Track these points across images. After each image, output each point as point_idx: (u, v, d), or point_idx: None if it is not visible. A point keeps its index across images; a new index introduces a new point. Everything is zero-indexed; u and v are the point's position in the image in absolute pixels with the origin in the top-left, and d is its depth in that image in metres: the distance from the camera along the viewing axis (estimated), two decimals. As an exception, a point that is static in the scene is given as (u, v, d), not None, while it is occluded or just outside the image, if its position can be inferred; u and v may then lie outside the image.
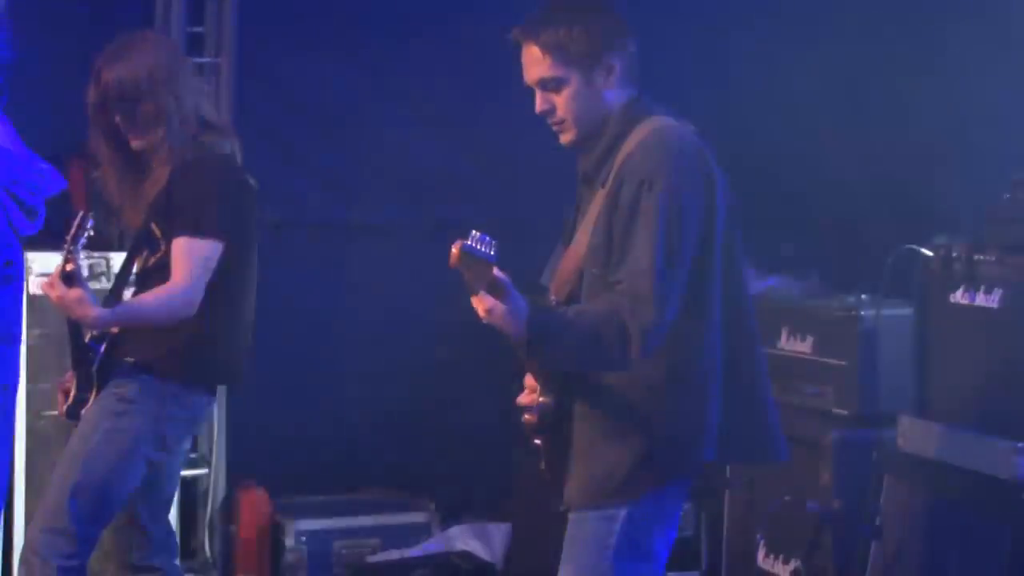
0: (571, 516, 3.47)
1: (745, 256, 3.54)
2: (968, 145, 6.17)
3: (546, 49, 3.43)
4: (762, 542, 4.98)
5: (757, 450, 3.57)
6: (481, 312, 3.17)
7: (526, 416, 3.49)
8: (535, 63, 3.46)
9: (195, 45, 5.80)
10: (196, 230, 4.05)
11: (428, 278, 6.03)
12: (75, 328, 4.13)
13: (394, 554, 5.82)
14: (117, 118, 4.13)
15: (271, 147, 5.95)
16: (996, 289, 4.21)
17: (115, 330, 4.12)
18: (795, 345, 5.07)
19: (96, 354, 4.13)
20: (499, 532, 5.89)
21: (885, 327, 4.79)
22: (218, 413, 5.76)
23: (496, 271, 3.14)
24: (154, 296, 4.05)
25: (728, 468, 5.09)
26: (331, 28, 5.99)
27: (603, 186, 3.43)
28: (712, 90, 5.98)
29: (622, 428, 3.39)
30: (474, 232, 3.12)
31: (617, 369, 3.33)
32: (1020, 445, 4.02)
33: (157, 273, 4.13)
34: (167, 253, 4.10)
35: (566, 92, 3.45)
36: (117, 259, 5.18)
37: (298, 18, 5.96)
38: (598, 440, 3.42)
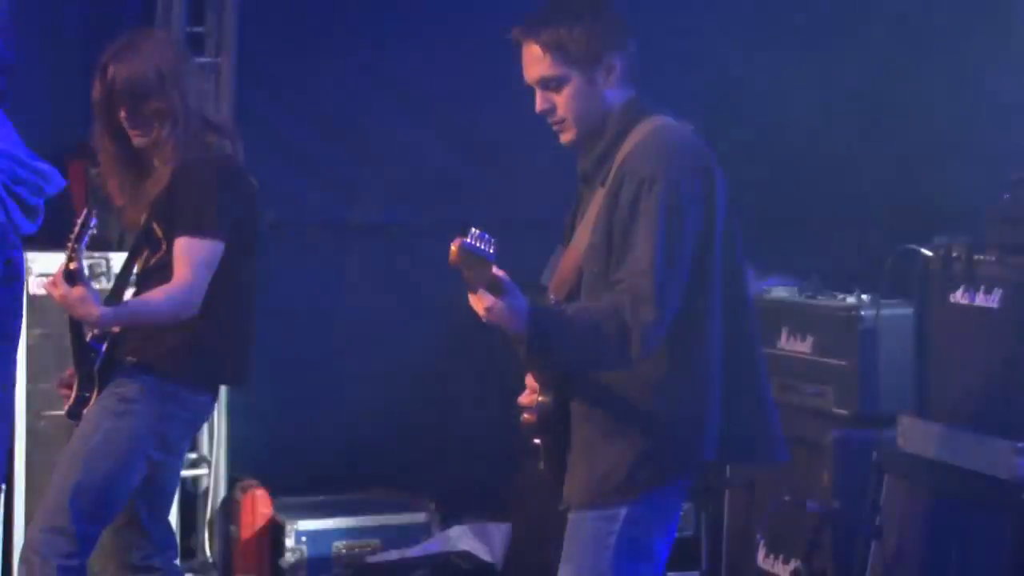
0: (571, 516, 3.47)
1: (745, 256, 3.54)
2: (968, 145, 6.17)
3: (547, 48, 3.44)
4: (762, 542, 4.98)
5: (757, 450, 3.57)
6: (481, 310, 3.17)
7: (526, 415, 3.49)
8: (535, 62, 3.46)
9: (195, 45, 5.79)
10: (197, 230, 4.05)
11: (428, 278, 6.06)
12: (77, 328, 4.13)
13: (394, 554, 5.82)
14: (122, 114, 4.13)
15: (271, 147, 5.95)
16: (996, 289, 4.21)
17: (116, 330, 4.12)
18: (795, 345, 5.07)
19: (98, 354, 4.13)
20: (499, 532, 5.89)
21: (885, 327, 4.79)
22: (218, 413, 5.76)
23: (495, 269, 3.14)
24: (156, 295, 4.05)
25: (728, 468, 5.09)
26: (331, 28, 5.99)
27: (603, 185, 3.43)
28: (712, 90, 5.98)
29: (622, 428, 3.39)
30: (473, 230, 3.12)
31: (617, 368, 3.33)
32: (1020, 445, 4.02)
33: (158, 273, 4.13)
34: (168, 253, 4.10)
35: (566, 91, 3.45)
36: (117, 259, 5.18)
37: (298, 18, 5.96)
38: (598, 440, 3.42)
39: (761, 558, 5.00)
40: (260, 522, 5.88)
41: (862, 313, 4.83)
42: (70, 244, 3.86)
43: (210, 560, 5.94)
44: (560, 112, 3.47)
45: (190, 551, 5.91)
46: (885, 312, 4.78)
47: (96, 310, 3.88)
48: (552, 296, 3.50)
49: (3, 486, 5.18)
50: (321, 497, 6.14)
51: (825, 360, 4.95)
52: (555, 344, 3.25)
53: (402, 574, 5.62)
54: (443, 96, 6.10)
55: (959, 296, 4.34)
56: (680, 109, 3.54)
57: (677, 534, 3.54)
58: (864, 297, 4.96)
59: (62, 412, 4.25)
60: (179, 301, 4.03)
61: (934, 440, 4.33)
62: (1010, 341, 4.17)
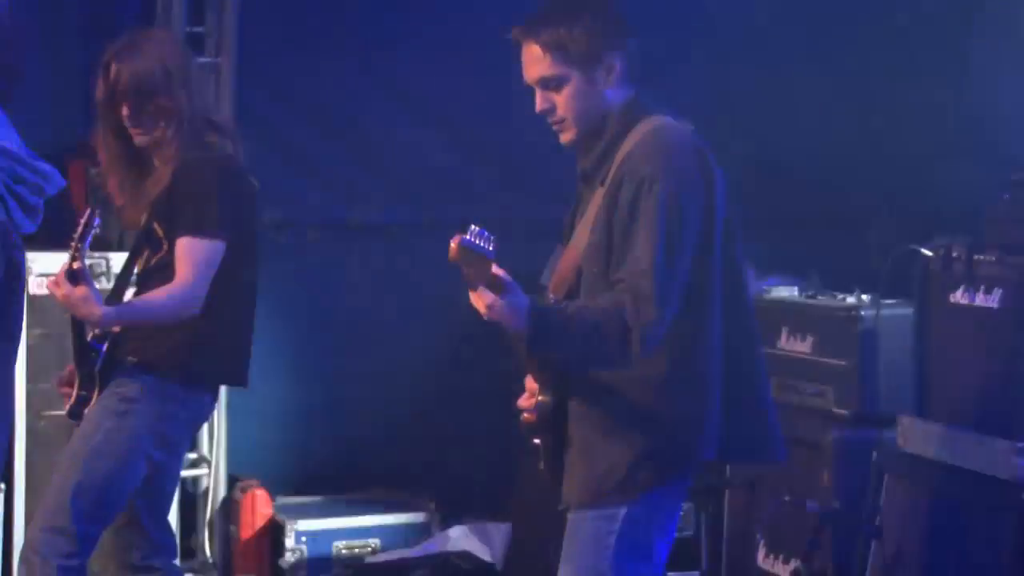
0: (570, 515, 3.47)
1: (745, 256, 3.54)
2: (968, 145, 6.17)
3: (546, 48, 3.43)
4: (762, 542, 4.98)
5: (756, 450, 3.58)
6: (482, 308, 3.17)
7: (525, 415, 3.49)
8: (535, 62, 3.46)
9: (195, 45, 5.78)
10: (199, 230, 4.05)
11: (428, 278, 6.05)
12: (78, 327, 4.13)
13: (394, 554, 5.82)
14: (124, 112, 4.13)
15: (271, 147, 5.94)
16: (996, 289, 4.22)
17: (116, 329, 4.12)
18: (795, 345, 5.07)
19: (99, 353, 4.13)
20: (499, 532, 5.89)
21: (885, 327, 4.79)
22: (218, 413, 5.76)
23: (495, 267, 3.14)
24: (158, 295, 4.05)
25: (728, 468, 5.09)
26: (331, 28, 5.99)
27: (602, 185, 3.43)
28: (713, 90, 5.98)
29: (621, 427, 3.39)
30: (472, 227, 3.12)
31: (617, 367, 3.32)
32: (1020, 445, 4.02)
33: (158, 273, 4.13)
34: (169, 253, 4.10)
35: (566, 91, 3.45)
36: (117, 259, 5.18)
37: (298, 18, 5.96)
38: (597, 439, 3.42)
39: (761, 558, 5.00)
40: (260, 522, 5.88)
41: (862, 313, 4.83)
42: (74, 243, 3.85)
43: (210, 560, 5.94)
44: (560, 112, 3.47)
45: (190, 551, 5.91)
46: (885, 312, 4.78)
47: (98, 310, 3.88)
48: (551, 296, 3.50)
49: (3, 486, 5.19)
50: (321, 497, 6.14)
51: (825, 360, 4.95)
52: (555, 342, 3.25)
53: (402, 574, 5.62)
54: (443, 96, 6.10)
55: (959, 296, 4.34)
56: (680, 110, 3.54)
57: (677, 534, 3.54)
58: (864, 297, 4.96)
59: (62, 412, 4.25)
60: (181, 301, 4.03)
61: (934, 440, 4.33)
62: (1010, 341, 4.17)
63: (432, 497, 6.06)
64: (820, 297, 5.22)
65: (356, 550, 5.85)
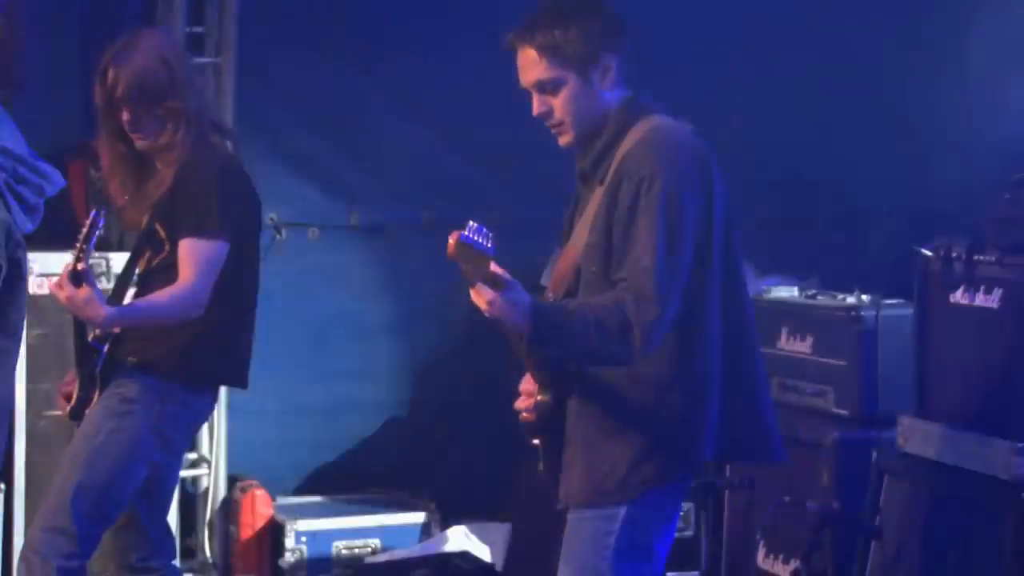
0: (570, 515, 3.47)
1: (744, 256, 3.54)
2: (969, 145, 6.17)
3: (542, 51, 3.43)
4: (762, 542, 4.97)
5: (756, 450, 3.58)
6: (482, 305, 3.17)
7: (524, 415, 3.49)
8: (531, 66, 3.45)
9: (195, 45, 5.79)
10: (202, 231, 4.05)
11: (428, 278, 6.06)
12: (80, 328, 4.13)
13: (394, 554, 5.82)
14: (125, 118, 4.12)
15: (271, 147, 5.95)
16: (996, 289, 4.21)
17: (116, 330, 4.12)
18: (795, 345, 5.07)
19: (99, 354, 4.13)
20: (499, 532, 5.89)
21: (885, 327, 4.79)
22: (218, 413, 5.76)
23: (494, 265, 3.14)
24: (162, 296, 4.05)
25: (728, 468, 5.09)
26: (331, 28, 5.99)
27: (601, 184, 3.43)
28: (712, 90, 5.98)
29: (621, 427, 3.39)
30: (471, 223, 3.12)
31: (617, 363, 3.32)
32: (1020, 445, 4.02)
33: (160, 274, 4.13)
34: (171, 254, 4.10)
35: (563, 94, 3.44)
36: (117, 259, 5.18)
37: (298, 18, 5.96)
38: (597, 439, 3.42)
39: (761, 558, 5.00)
40: (260, 522, 5.88)
41: (862, 313, 4.83)
42: (78, 245, 3.85)
43: (210, 560, 5.94)
44: (558, 115, 3.46)
45: (190, 551, 5.91)
46: (885, 312, 4.78)
47: (102, 311, 3.88)
48: (550, 295, 3.50)
49: (2, 486, 5.19)
50: (321, 497, 6.14)
51: (825, 360, 4.95)
52: (556, 338, 3.25)
53: (402, 574, 5.62)
54: (443, 96, 6.10)
55: (959, 296, 4.34)
56: (680, 109, 3.54)
57: (677, 534, 3.54)
58: (864, 297, 4.96)
59: (62, 412, 4.25)
60: (184, 302, 4.03)
61: (934, 440, 4.33)
62: (1010, 341, 4.17)
63: (432, 497, 6.06)
64: (820, 297, 5.22)
65: (356, 550, 5.85)
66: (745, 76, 6.16)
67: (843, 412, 4.86)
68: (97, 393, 4.13)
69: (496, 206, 6.09)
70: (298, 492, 6.15)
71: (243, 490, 5.91)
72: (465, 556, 5.71)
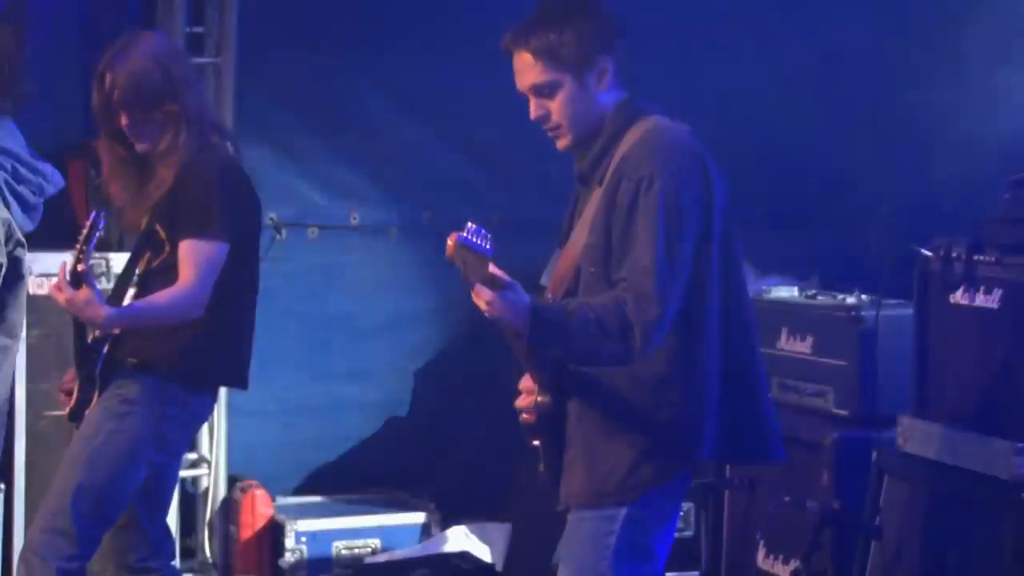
0: (570, 516, 3.47)
1: (744, 256, 3.54)
2: (969, 145, 6.18)
3: (537, 55, 3.42)
4: (762, 542, 4.97)
5: (755, 450, 3.57)
6: (482, 306, 3.17)
7: (524, 416, 3.49)
8: (527, 70, 3.45)
9: (195, 45, 5.79)
10: (203, 232, 4.05)
11: (428, 278, 6.06)
12: (80, 329, 4.13)
13: (394, 554, 5.82)
14: (124, 122, 4.12)
15: (271, 147, 5.95)
16: (996, 289, 4.21)
17: (116, 331, 4.12)
18: (795, 345, 5.07)
19: (99, 355, 4.13)
20: (499, 532, 5.89)
21: (885, 327, 4.79)
22: (218, 413, 5.76)
23: (492, 266, 3.14)
24: (162, 297, 4.05)
25: (728, 468, 5.09)
26: (331, 28, 5.99)
27: (600, 185, 3.42)
28: (713, 90, 5.98)
29: (621, 428, 3.39)
30: (469, 224, 3.13)
31: (617, 363, 3.32)
32: (1020, 445, 4.01)
33: (160, 275, 4.13)
34: (171, 255, 4.10)
35: (560, 97, 3.44)
36: (117, 259, 5.18)
37: (298, 18, 5.96)
38: (597, 440, 3.42)
39: (761, 558, 5.00)
40: (260, 522, 5.88)
41: (862, 313, 4.83)
42: (78, 246, 3.85)
43: (210, 560, 5.94)
44: (555, 118, 3.46)
45: (190, 551, 5.91)
46: (885, 312, 4.77)
47: (102, 312, 3.88)
48: (549, 296, 3.50)
49: (2, 486, 5.18)
50: (321, 497, 6.14)
51: (825, 360, 4.95)
52: (556, 338, 3.25)
53: (402, 574, 5.62)
54: (443, 96, 6.10)
55: (959, 296, 4.34)
56: (680, 109, 3.53)
57: (677, 534, 3.54)
58: (864, 297, 4.96)
59: (62, 412, 4.25)
60: (185, 303, 4.03)
61: (934, 440, 4.33)
62: (1010, 341, 4.17)
63: (432, 497, 6.06)
64: (820, 297, 5.22)
65: (356, 550, 5.85)
66: (745, 76, 6.16)
67: (843, 412, 4.86)
68: (97, 394, 4.13)
69: (496, 206, 6.11)
70: (298, 492, 6.15)
71: (243, 490, 5.91)
72: (465, 556, 5.71)
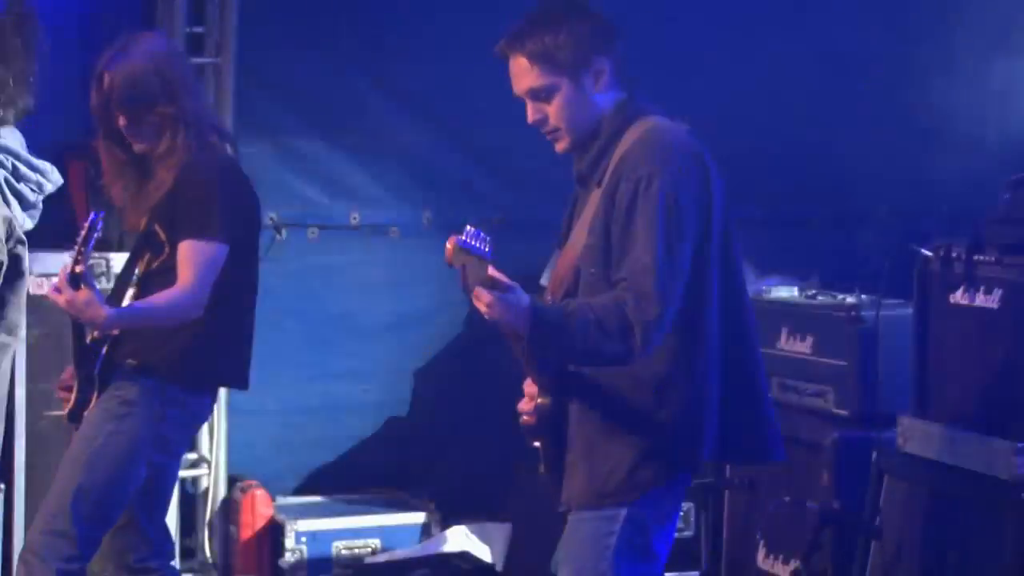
0: (571, 516, 3.47)
1: (743, 255, 3.54)
2: (968, 145, 6.18)
3: (533, 59, 3.42)
4: (762, 542, 4.98)
5: (755, 450, 3.57)
6: (482, 308, 3.17)
7: (525, 418, 3.49)
8: (523, 74, 3.44)
9: (195, 45, 5.79)
10: (202, 233, 4.05)
11: (428, 278, 6.06)
12: (78, 330, 4.13)
13: (394, 554, 5.82)
14: (121, 121, 4.12)
15: (271, 147, 5.95)
16: (996, 289, 4.21)
17: (115, 332, 4.12)
18: (795, 345, 5.07)
19: (98, 356, 4.13)
20: (499, 532, 5.89)
21: (885, 327, 4.78)
22: (218, 413, 5.76)
23: (491, 269, 3.14)
24: (162, 298, 4.05)
25: (728, 468, 5.09)
26: (331, 28, 5.99)
27: (599, 186, 3.42)
28: (712, 90, 5.98)
29: (621, 428, 3.39)
30: (468, 227, 3.13)
31: (618, 364, 3.32)
32: (1020, 445, 4.01)
33: (159, 276, 4.13)
34: (171, 256, 4.10)
35: (557, 100, 3.44)
36: (117, 259, 5.18)
37: (298, 18, 5.96)
38: (598, 441, 3.42)
39: (761, 558, 5.00)
40: (260, 522, 5.88)
41: (862, 313, 4.83)
42: (77, 247, 3.85)
43: (210, 560, 5.94)
44: (553, 121, 3.46)
45: (190, 551, 5.91)
46: (885, 312, 4.77)
47: (103, 312, 3.88)
48: (549, 297, 3.50)
49: (2, 486, 5.18)
50: (321, 497, 6.14)
51: (825, 360, 4.95)
52: (556, 339, 3.25)
53: (402, 574, 5.62)
54: (443, 96, 6.10)
55: (959, 296, 4.34)
56: (680, 110, 3.53)
57: (677, 534, 3.54)
58: (864, 297, 4.96)
59: (62, 412, 4.25)
60: (184, 304, 4.03)
61: (934, 440, 4.33)
62: (1010, 341, 4.17)
63: (432, 497, 6.06)
64: (820, 297, 5.22)
65: (356, 550, 5.85)
66: (744, 76, 6.16)
67: (843, 412, 4.86)
68: (95, 395, 4.13)
69: (496, 206, 6.12)
70: (298, 492, 6.15)
71: (243, 490, 5.91)
72: (465, 556, 5.71)
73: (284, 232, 6.02)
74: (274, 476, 6.05)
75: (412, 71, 6.05)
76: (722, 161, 3.48)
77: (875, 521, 4.46)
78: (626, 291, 3.27)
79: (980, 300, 4.26)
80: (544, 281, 3.64)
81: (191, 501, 5.92)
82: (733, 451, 3.55)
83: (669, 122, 3.46)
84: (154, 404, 4.11)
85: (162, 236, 4.13)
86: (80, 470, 4.06)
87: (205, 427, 5.75)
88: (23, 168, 3.95)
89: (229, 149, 4.26)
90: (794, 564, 4.73)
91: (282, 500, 6.02)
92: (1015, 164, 4.59)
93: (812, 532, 4.46)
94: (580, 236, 3.45)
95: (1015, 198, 4.31)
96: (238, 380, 4.32)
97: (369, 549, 5.86)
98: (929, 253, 4.46)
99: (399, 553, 5.82)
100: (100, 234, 3.89)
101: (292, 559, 5.77)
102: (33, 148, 4.09)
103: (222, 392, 5.24)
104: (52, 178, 4.07)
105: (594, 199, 3.42)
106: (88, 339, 4.14)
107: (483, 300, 3.15)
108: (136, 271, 4.25)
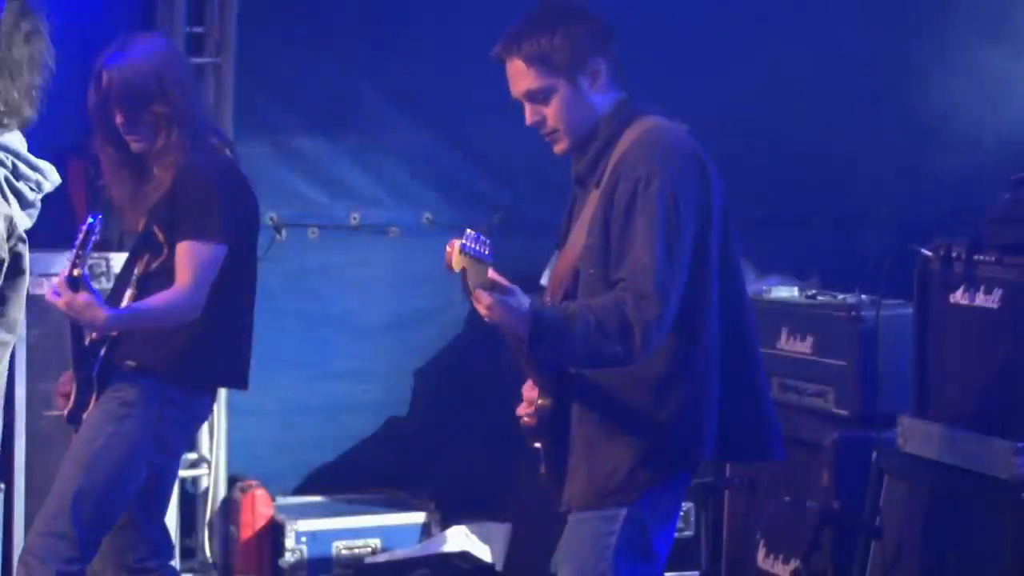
0: (571, 516, 3.47)
1: (742, 255, 3.54)
2: (968, 145, 6.17)
3: (529, 61, 3.42)
4: (762, 542, 4.97)
5: (756, 449, 3.57)
6: (482, 311, 3.17)
7: (525, 419, 3.49)
8: (520, 76, 3.45)
9: (195, 45, 5.79)
10: (200, 234, 4.05)
11: (428, 278, 6.06)
12: (77, 332, 4.13)
13: (394, 554, 5.82)
14: (119, 121, 4.12)
15: (271, 147, 5.95)
16: (996, 289, 4.21)
17: (114, 333, 4.12)
18: (795, 345, 5.07)
19: (96, 358, 4.13)
20: (499, 532, 5.89)
21: (885, 327, 4.78)
22: (218, 413, 5.76)
23: (492, 272, 3.14)
24: (160, 300, 4.05)
25: (728, 468, 5.09)
26: (331, 28, 5.99)
27: (597, 186, 3.42)
28: (712, 90, 5.98)
29: (621, 429, 3.39)
30: (469, 231, 3.13)
31: (618, 363, 3.32)
32: (1020, 445, 4.01)
33: (158, 277, 4.12)
34: (169, 257, 4.10)
35: (554, 102, 3.44)
36: (117, 259, 5.18)
37: (298, 18, 5.96)
38: (598, 441, 3.42)
39: (761, 558, 4.99)
40: (260, 522, 5.88)
41: (862, 313, 4.83)
42: (75, 250, 3.85)
43: (210, 560, 5.94)
44: (551, 123, 3.46)
45: (190, 551, 5.91)
46: (885, 312, 4.77)
47: (102, 314, 3.88)
48: (548, 298, 3.50)
49: (2, 486, 5.18)
50: (321, 497, 6.14)
51: (825, 360, 4.95)
52: (556, 341, 3.25)
53: (402, 574, 5.62)
54: (443, 96, 6.10)
55: (959, 296, 4.34)
56: (680, 110, 3.53)
57: (677, 534, 3.54)
58: (864, 297, 4.96)
59: (62, 413, 4.25)
60: (182, 305, 4.03)
61: (934, 440, 4.33)
62: (1010, 341, 4.16)
63: (432, 497, 6.06)
64: (820, 297, 5.22)
65: (356, 550, 5.85)
66: (744, 76, 6.16)
67: (843, 412, 4.85)
68: (95, 397, 4.12)
69: (496, 206, 6.12)
70: (298, 492, 6.15)
71: (243, 490, 5.91)
72: (465, 556, 5.71)
73: (284, 232, 6.02)
74: (274, 476, 6.05)
75: (412, 71, 6.05)
76: (722, 161, 3.48)
77: (875, 521, 4.46)
78: (625, 291, 3.27)
79: (980, 300, 4.26)
80: (544, 282, 3.64)
81: (191, 501, 5.92)
82: (733, 451, 3.55)
83: (668, 122, 3.47)
84: (153, 405, 4.11)
85: (160, 237, 4.13)
86: (80, 472, 4.06)
87: (205, 427, 5.75)
88: (23, 167, 3.95)
89: (228, 150, 4.26)
90: (794, 564, 4.72)
91: (282, 500, 6.02)
92: (1015, 163, 4.58)
93: (812, 532, 4.46)
94: (579, 237, 3.45)
95: (1015, 198, 4.31)
96: (237, 380, 4.32)
97: (369, 549, 5.86)
98: (929, 253, 4.46)
99: (399, 553, 5.82)
100: (98, 236, 3.89)
101: (292, 559, 5.77)
102: (33, 148, 4.09)
103: (222, 392, 5.24)
104: (51, 178, 4.07)
105: (593, 199, 3.42)
106: (87, 341, 4.14)
107: (483, 303, 3.15)
108: (135, 272, 4.25)
